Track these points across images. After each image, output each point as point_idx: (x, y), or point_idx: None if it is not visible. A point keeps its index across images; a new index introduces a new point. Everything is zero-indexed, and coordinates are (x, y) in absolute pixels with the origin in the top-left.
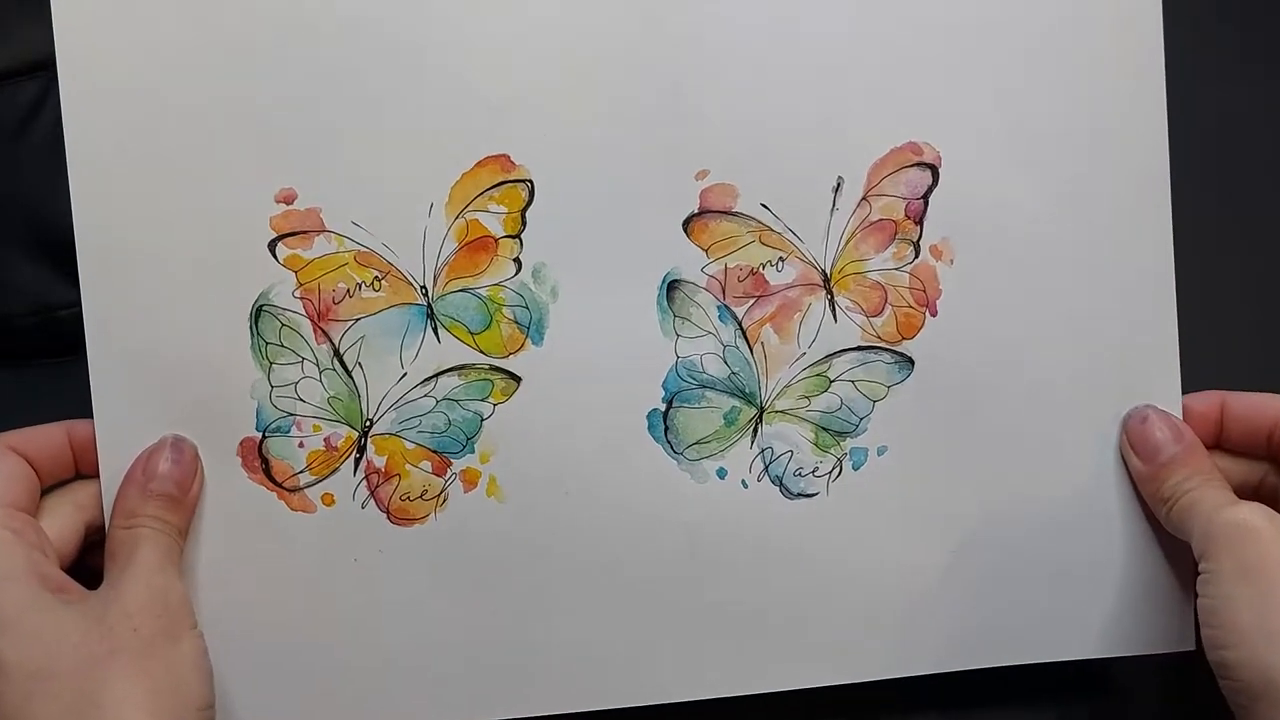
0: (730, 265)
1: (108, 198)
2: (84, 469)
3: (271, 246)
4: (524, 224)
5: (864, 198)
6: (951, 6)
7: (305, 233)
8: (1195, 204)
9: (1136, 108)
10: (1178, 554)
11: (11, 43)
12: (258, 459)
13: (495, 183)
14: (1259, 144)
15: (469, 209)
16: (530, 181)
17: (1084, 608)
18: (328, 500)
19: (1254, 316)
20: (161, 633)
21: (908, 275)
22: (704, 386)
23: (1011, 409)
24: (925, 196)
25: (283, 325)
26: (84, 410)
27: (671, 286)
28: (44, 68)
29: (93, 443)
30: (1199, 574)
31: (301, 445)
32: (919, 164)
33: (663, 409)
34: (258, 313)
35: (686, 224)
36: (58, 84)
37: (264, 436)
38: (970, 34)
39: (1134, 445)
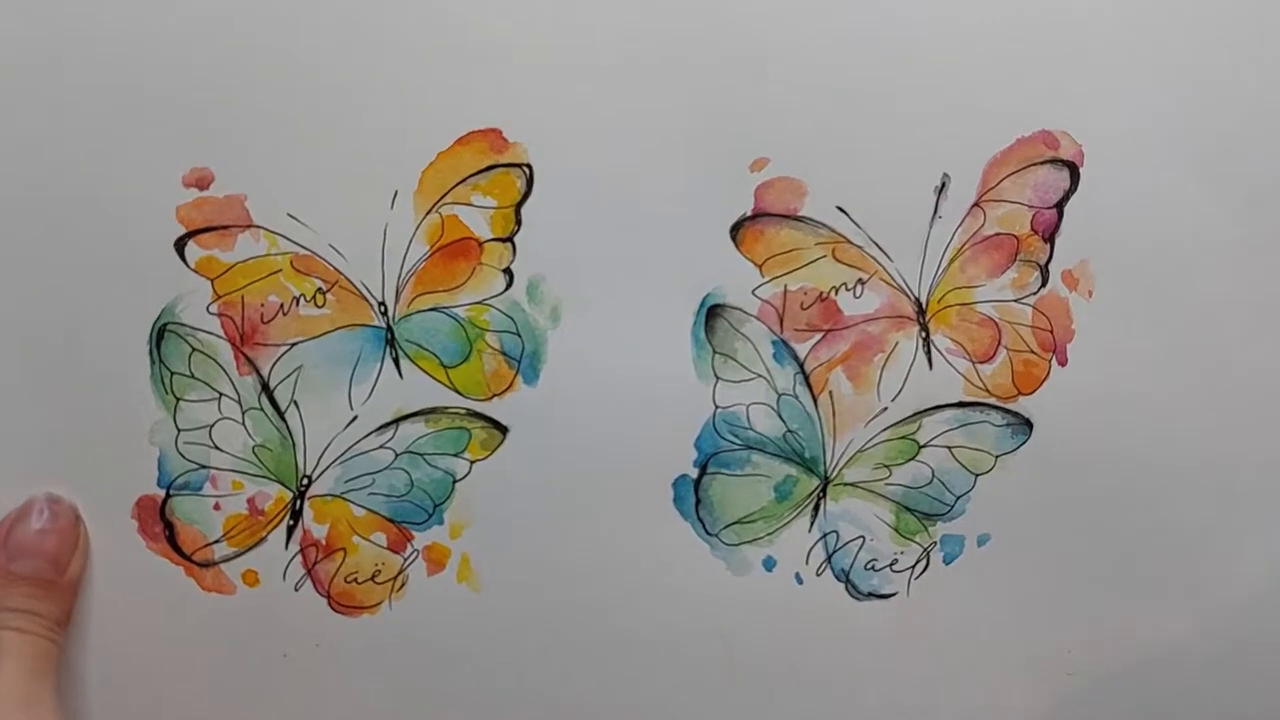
0: (791, 287)
1: None
2: None
3: (179, 246)
4: (518, 223)
5: (976, 203)
6: None
7: (225, 228)
8: None
9: None
10: None
11: None
12: (159, 524)
13: (482, 167)
14: None
15: (445, 201)
16: (528, 166)
17: None
18: (251, 579)
19: None
20: None
21: (1030, 310)
22: (750, 448)
23: (1162, 495)
24: (1059, 205)
25: (194, 350)
26: None
27: (712, 313)
28: None
29: None
30: None
31: (218, 507)
32: (1053, 161)
33: (694, 476)
34: (160, 333)
35: (736, 230)
36: None
37: (168, 495)
38: None
39: None
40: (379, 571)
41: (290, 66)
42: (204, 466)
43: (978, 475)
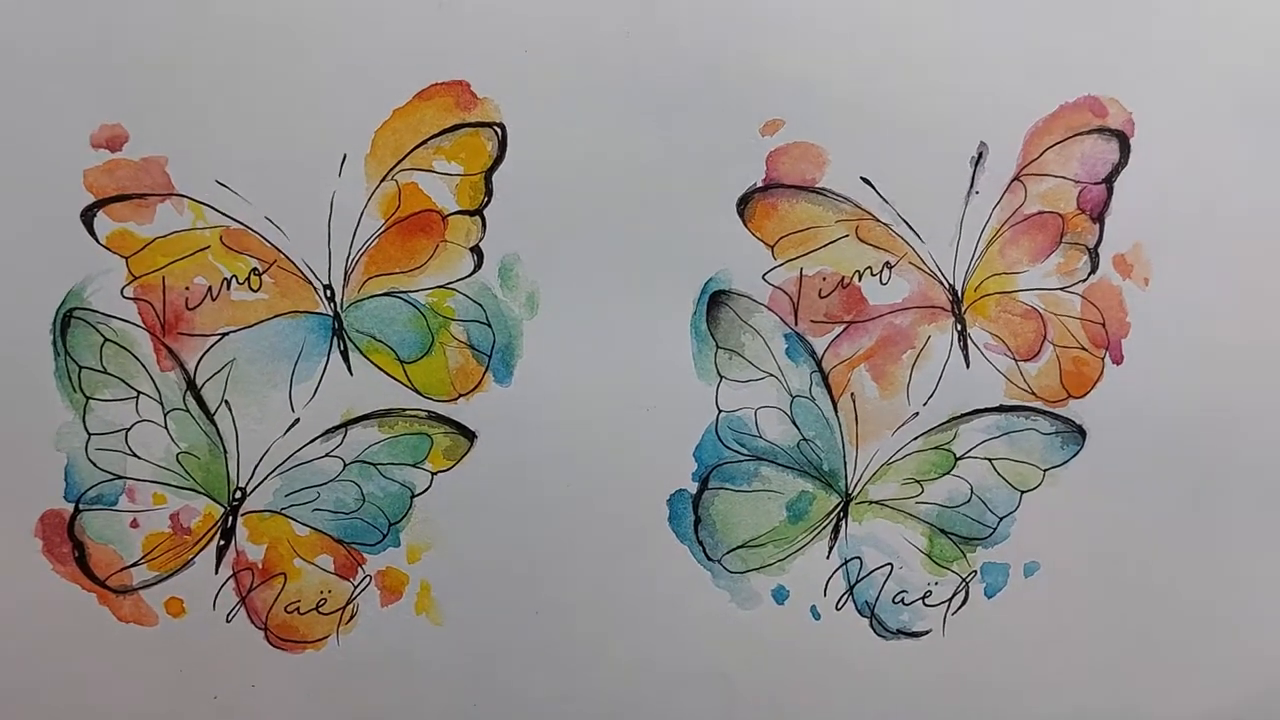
0: (808, 272)
1: None
2: None
3: (87, 218)
4: (488, 193)
5: (1017, 178)
6: None
7: (141, 197)
8: None
9: None
10: None
11: None
12: (68, 543)
13: (446, 127)
14: None
15: (403, 166)
16: (500, 126)
17: None
18: (175, 609)
19: None
20: None
21: (1079, 299)
22: (759, 458)
23: (1242, 513)
24: (1109, 180)
25: (106, 340)
26: None
27: (715, 301)
28: None
29: None
30: None
31: (136, 524)
32: (1101, 130)
33: (694, 491)
34: (66, 320)
35: (744, 204)
36: None
37: (78, 509)
38: None
39: None
40: (325, 600)
41: (221, 5)
42: (119, 477)
43: (1023, 492)
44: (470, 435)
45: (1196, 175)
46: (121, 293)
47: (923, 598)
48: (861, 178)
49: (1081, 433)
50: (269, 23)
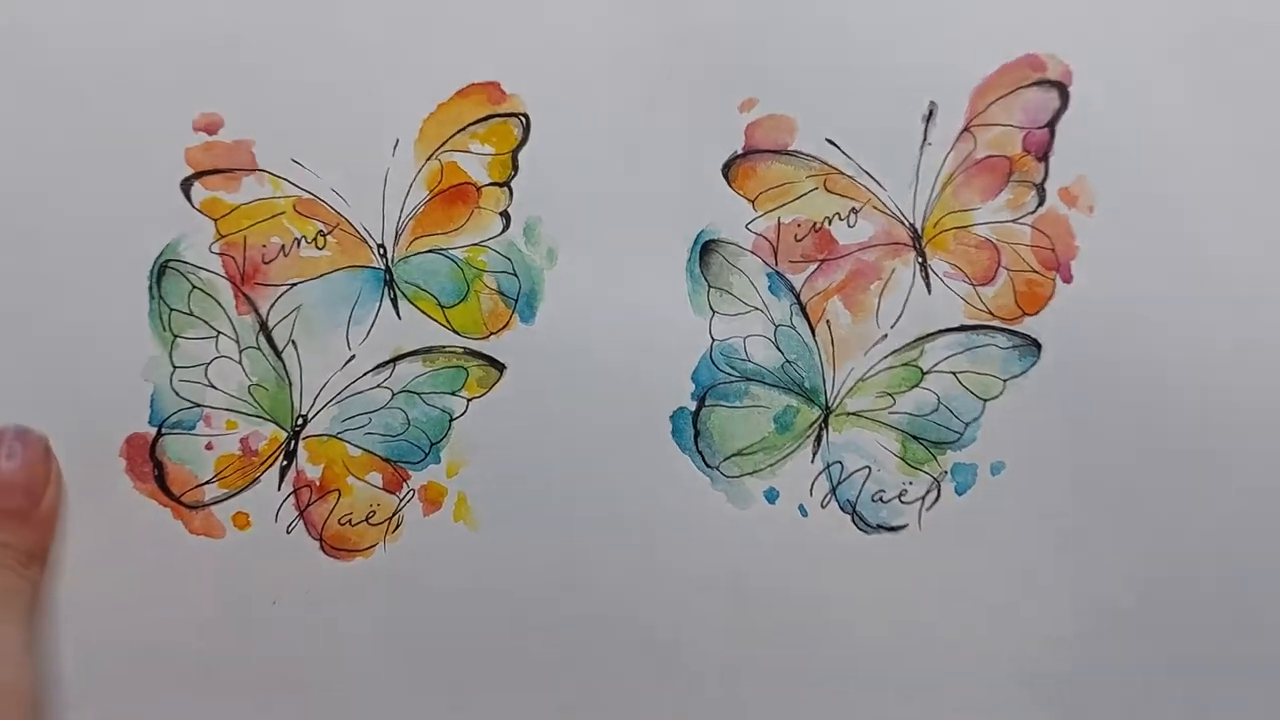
0: (785, 220)
1: None
2: None
3: (185, 186)
4: (515, 168)
5: (966, 128)
6: None
7: (231, 171)
8: None
9: None
10: None
11: None
12: (149, 463)
13: (480, 116)
14: None
15: (445, 148)
16: (525, 116)
17: None
18: (241, 522)
19: None
20: None
21: (1029, 229)
22: (749, 379)
23: (1180, 412)
24: (1051, 124)
25: (194, 288)
26: None
27: (707, 248)
28: None
29: None
30: None
31: (210, 447)
32: (1041, 82)
33: (693, 408)
34: (161, 270)
35: (728, 167)
36: None
37: (160, 433)
38: None
39: None
40: (374, 513)
41: (301, 23)
42: (198, 405)
43: (986, 401)
44: (500, 367)
45: (1132, 112)
46: (210, 249)
47: (899, 496)
48: (827, 139)
49: (1037, 345)
50: (341, 36)
